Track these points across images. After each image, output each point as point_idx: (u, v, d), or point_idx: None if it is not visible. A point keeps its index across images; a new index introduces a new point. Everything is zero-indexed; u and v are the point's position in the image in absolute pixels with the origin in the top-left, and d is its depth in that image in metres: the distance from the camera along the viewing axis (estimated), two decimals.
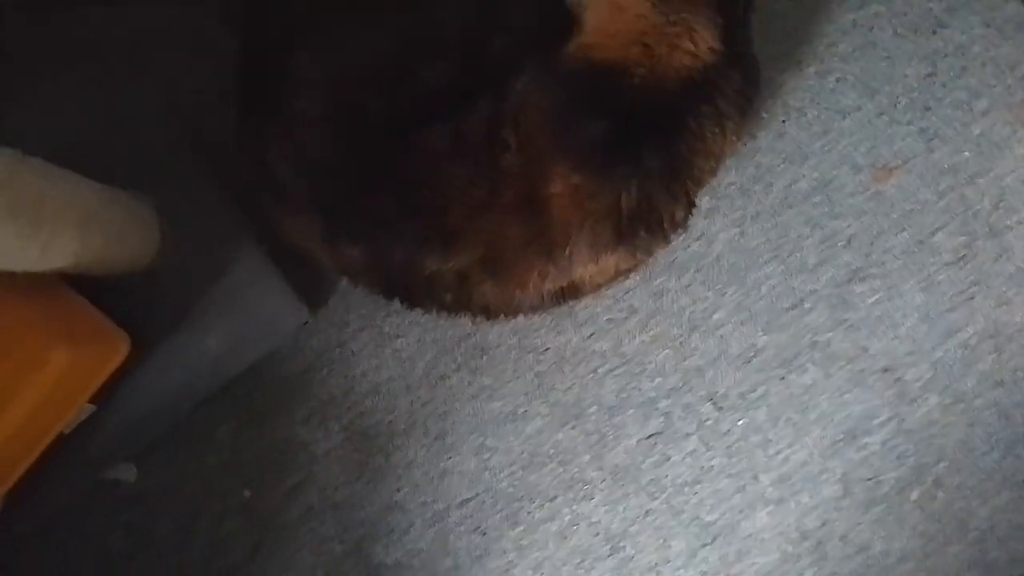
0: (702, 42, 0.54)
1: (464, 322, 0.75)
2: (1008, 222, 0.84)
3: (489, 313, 0.69)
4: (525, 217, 0.60)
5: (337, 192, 0.64)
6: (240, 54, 0.68)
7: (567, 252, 0.61)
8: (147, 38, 0.75)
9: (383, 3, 0.64)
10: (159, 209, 0.66)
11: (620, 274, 0.69)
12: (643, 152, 0.57)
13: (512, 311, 0.69)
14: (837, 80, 0.82)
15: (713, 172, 0.63)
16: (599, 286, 0.69)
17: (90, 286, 0.64)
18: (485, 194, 0.60)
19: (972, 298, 0.83)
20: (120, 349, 0.62)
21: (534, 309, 0.70)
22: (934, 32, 0.84)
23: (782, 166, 0.82)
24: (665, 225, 0.63)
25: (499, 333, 0.77)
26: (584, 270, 0.64)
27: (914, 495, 0.83)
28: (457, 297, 0.65)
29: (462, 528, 0.78)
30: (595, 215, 0.58)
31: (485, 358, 0.77)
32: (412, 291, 0.67)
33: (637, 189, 0.58)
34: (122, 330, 0.63)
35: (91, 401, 0.63)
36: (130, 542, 0.76)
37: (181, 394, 0.70)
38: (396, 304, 0.71)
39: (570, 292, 0.67)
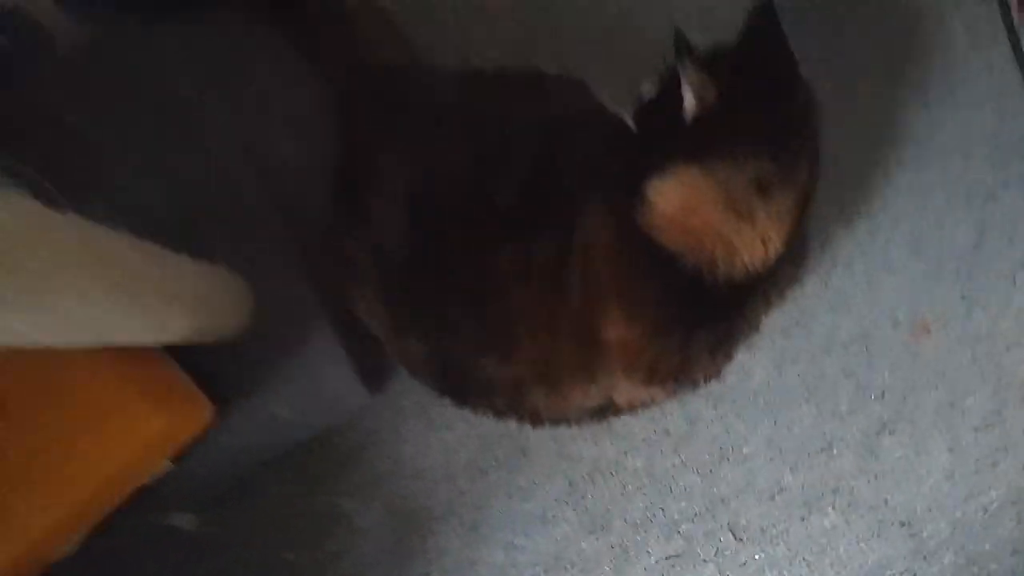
0: (769, 246, 0.60)
1: (510, 424, 0.81)
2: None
3: (537, 419, 0.74)
4: (579, 345, 0.66)
5: (409, 292, 0.70)
6: (339, 147, 0.76)
7: (611, 382, 0.67)
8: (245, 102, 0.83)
9: (464, 124, 0.72)
10: (248, 283, 0.74)
11: (655, 402, 0.73)
12: (695, 328, 0.63)
13: (558, 420, 0.74)
14: (886, 240, 0.87)
15: (753, 336, 0.68)
16: (635, 408, 0.74)
17: (178, 348, 0.71)
18: (547, 317, 0.66)
19: (997, 464, 0.86)
20: (204, 415, 0.69)
21: (576, 420, 0.75)
22: (986, 203, 0.89)
23: (825, 314, 0.86)
24: (700, 380, 0.68)
25: (540, 437, 0.83)
26: (622, 397, 0.70)
27: (947, 559, 0.85)
28: (510, 402, 0.71)
29: None
30: (640, 361, 0.64)
31: (524, 459, 0.83)
32: (466, 391, 0.73)
33: (681, 353, 0.63)
34: (206, 397, 0.70)
35: (173, 460, 0.70)
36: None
37: (248, 454, 0.77)
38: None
39: (608, 410, 0.73)
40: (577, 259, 0.64)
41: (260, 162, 0.81)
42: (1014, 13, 0.88)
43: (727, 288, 0.61)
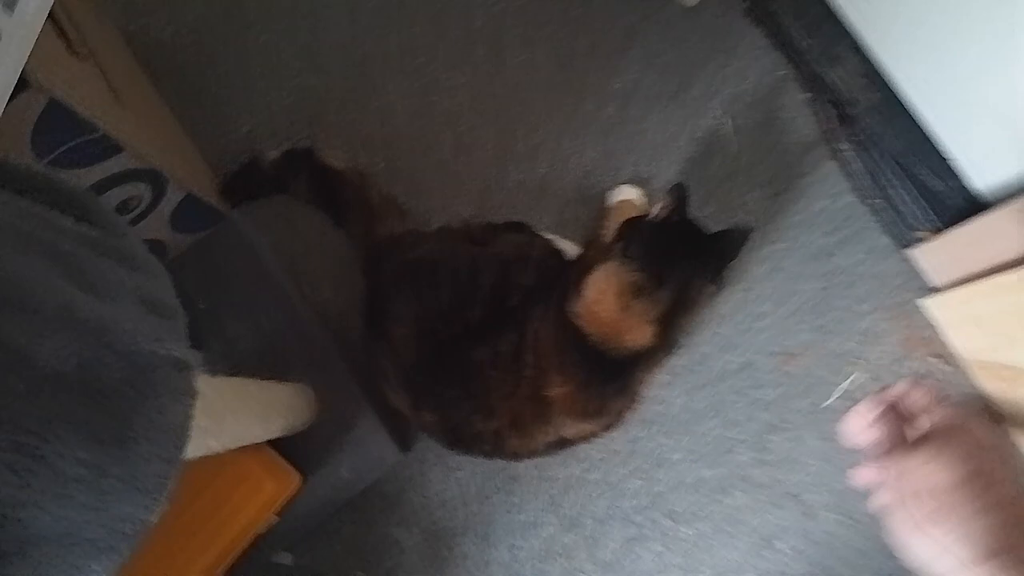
0: (642, 336, 0.93)
1: (500, 462, 1.14)
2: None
3: (516, 456, 1.06)
4: (535, 402, 0.98)
5: (421, 381, 1.00)
6: (365, 296, 1.10)
7: (560, 423, 1.00)
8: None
9: (442, 278, 1.01)
10: (322, 394, 1.08)
11: (595, 434, 1.04)
12: (606, 383, 0.96)
13: (530, 454, 1.07)
14: (756, 295, 1.21)
15: (650, 383, 1.02)
16: (584, 439, 1.05)
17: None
18: (511, 388, 0.96)
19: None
20: (296, 480, 1.03)
21: (543, 453, 1.07)
22: (828, 258, 1.22)
23: (719, 353, 1.20)
24: (620, 415, 1.02)
25: (525, 467, 1.16)
26: (569, 432, 1.02)
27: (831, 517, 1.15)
28: (493, 447, 1.02)
29: None
30: (575, 407, 0.97)
31: (515, 484, 1.16)
32: (464, 442, 1.04)
33: (599, 399, 0.97)
34: (295, 469, 1.04)
35: (277, 514, 1.04)
36: None
37: (325, 505, 1.11)
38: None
39: (562, 444, 1.03)
40: (529, 346, 0.97)
41: (316, 308, 1.16)
42: (832, 126, 1.23)
43: (620, 358, 0.94)
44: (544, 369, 0.95)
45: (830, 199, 1.22)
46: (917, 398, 0.58)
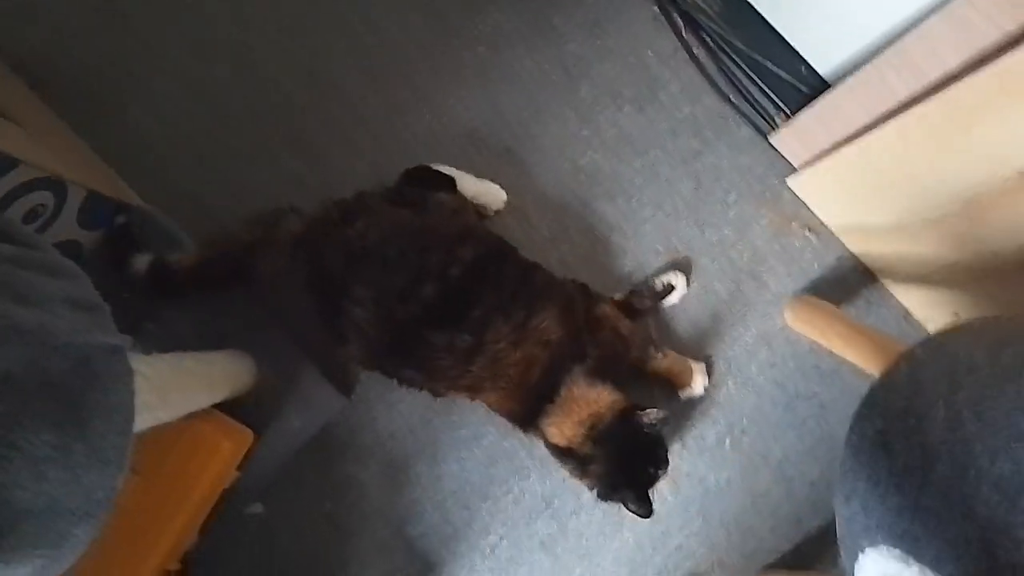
0: (571, 440, 1.10)
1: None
2: (761, 267, 1.35)
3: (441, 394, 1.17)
4: (471, 392, 1.12)
5: (383, 358, 1.11)
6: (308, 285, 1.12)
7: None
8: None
9: (392, 257, 1.07)
10: (260, 356, 1.18)
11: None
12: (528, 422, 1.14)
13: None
14: (638, 202, 1.33)
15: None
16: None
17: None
18: (457, 375, 1.08)
19: (745, 316, 1.34)
20: (249, 437, 1.13)
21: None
22: (697, 158, 1.35)
23: (611, 261, 1.33)
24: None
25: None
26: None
27: (727, 443, 1.33)
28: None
29: (454, 506, 1.29)
30: (502, 407, 1.14)
31: (453, 405, 1.29)
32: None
33: (523, 416, 1.15)
34: (246, 426, 1.15)
35: (238, 469, 1.15)
36: (264, 547, 1.28)
37: (284, 454, 1.22)
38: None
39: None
40: (487, 356, 1.07)
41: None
42: (684, 34, 1.34)
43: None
44: (491, 378, 1.10)
45: (692, 103, 1.34)
46: None
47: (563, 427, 1.10)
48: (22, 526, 0.60)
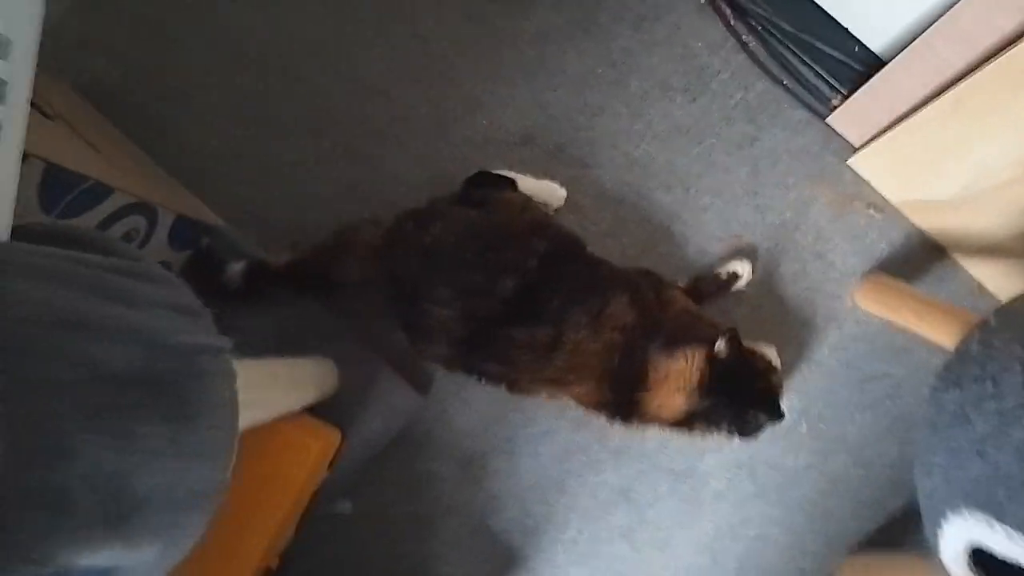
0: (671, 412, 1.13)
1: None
2: (826, 248, 1.34)
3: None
4: (552, 386, 1.13)
5: (467, 352, 1.13)
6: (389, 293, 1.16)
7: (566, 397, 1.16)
8: None
9: (470, 256, 1.10)
10: (341, 363, 1.24)
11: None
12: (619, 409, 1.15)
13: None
14: (696, 191, 1.35)
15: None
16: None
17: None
18: (539, 369, 1.11)
19: (813, 298, 1.33)
20: (337, 437, 1.19)
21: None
22: (752, 143, 1.36)
23: (675, 250, 1.34)
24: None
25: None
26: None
27: (803, 428, 1.33)
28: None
29: (532, 500, 1.33)
30: (584, 399, 1.15)
31: (526, 401, 1.32)
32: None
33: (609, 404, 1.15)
34: (335, 427, 1.21)
35: (328, 469, 1.21)
36: (353, 544, 1.34)
37: (367, 455, 1.28)
38: (472, 382, 1.26)
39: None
40: (566, 350, 1.09)
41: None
42: (732, 22, 1.35)
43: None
44: (574, 370, 1.12)
45: (744, 90, 1.35)
46: None
47: (672, 403, 1.12)
48: (142, 512, 0.65)
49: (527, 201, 1.24)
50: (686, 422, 1.14)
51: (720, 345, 1.10)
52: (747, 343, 1.19)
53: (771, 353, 1.23)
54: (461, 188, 1.26)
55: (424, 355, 1.19)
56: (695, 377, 1.11)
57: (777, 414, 1.12)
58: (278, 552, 1.20)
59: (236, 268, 1.23)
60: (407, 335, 1.17)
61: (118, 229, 1.07)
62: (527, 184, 1.27)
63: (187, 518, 0.72)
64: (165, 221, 1.15)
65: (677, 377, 1.11)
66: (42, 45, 0.70)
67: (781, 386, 1.16)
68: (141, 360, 0.64)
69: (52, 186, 0.90)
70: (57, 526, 0.53)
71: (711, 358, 1.11)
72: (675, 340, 1.13)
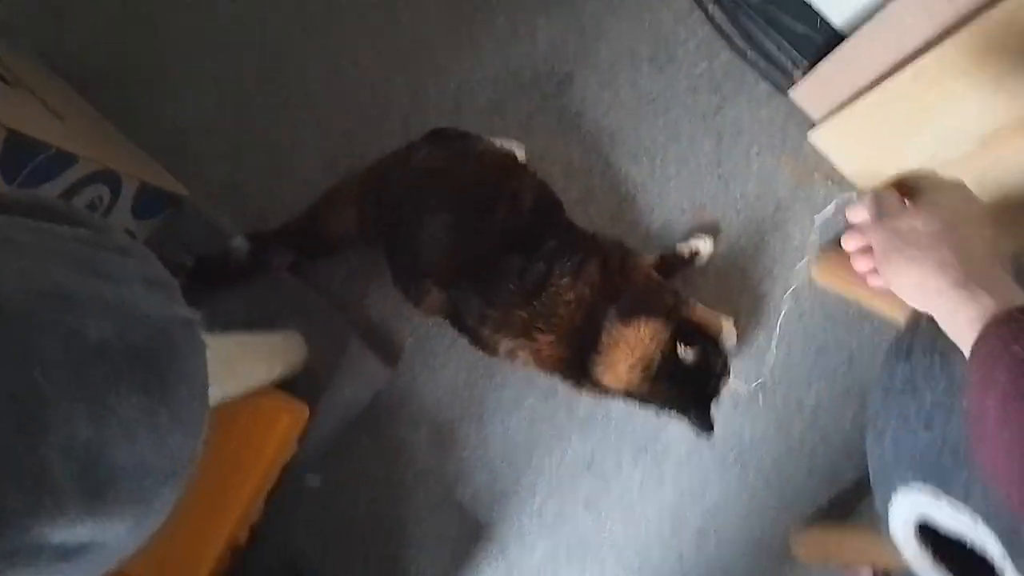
0: (624, 381, 1.15)
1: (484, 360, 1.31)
2: (786, 219, 1.37)
3: (482, 345, 1.20)
4: (521, 327, 1.13)
5: (458, 274, 1.13)
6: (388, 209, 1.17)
7: (522, 348, 1.16)
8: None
9: (471, 184, 1.16)
10: (310, 336, 1.24)
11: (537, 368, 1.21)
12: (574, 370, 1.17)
13: (487, 350, 1.20)
14: (661, 161, 1.36)
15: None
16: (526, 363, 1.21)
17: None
18: (517, 302, 1.12)
19: (772, 269, 1.37)
20: (305, 411, 1.19)
21: (495, 354, 1.21)
22: (715, 114, 1.37)
23: (640, 218, 1.36)
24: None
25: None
26: (519, 355, 1.19)
27: (761, 398, 1.37)
28: (475, 324, 1.16)
29: (501, 466, 1.35)
30: (540, 354, 1.16)
31: (495, 368, 1.33)
32: (460, 315, 1.18)
33: (567, 365, 1.18)
34: (302, 401, 1.21)
35: (298, 442, 1.21)
36: (324, 515, 1.34)
37: (338, 426, 1.28)
38: (442, 346, 1.29)
39: (510, 356, 1.20)
40: (550, 294, 1.12)
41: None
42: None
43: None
44: (546, 317, 1.14)
45: (709, 60, 1.36)
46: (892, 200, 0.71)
47: (616, 372, 1.14)
48: (117, 483, 0.65)
49: (504, 150, 1.26)
50: (628, 395, 1.18)
51: (685, 351, 1.13)
52: (705, 312, 1.23)
53: (727, 325, 1.27)
54: (427, 135, 1.26)
55: (410, 290, 1.19)
56: (651, 359, 1.14)
57: (706, 426, 1.16)
58: (247, 526, 1.20)
59: (239, 243, 1.23)
60: (395, 271, 1.19)
61: (82, 198, 1.04)
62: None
63: (160, 489, 0.71)
64: (128, 190, 1.12)
65: (625, 346, 1.13)
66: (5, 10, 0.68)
67: (723, 384, 1.20)
68: (115, 332, 0.63)
69: (14, 154, 0.88)
70: (36, 497, 0.53)
71: (671, 344, 1.14)
72: (634, 309, 1.15)
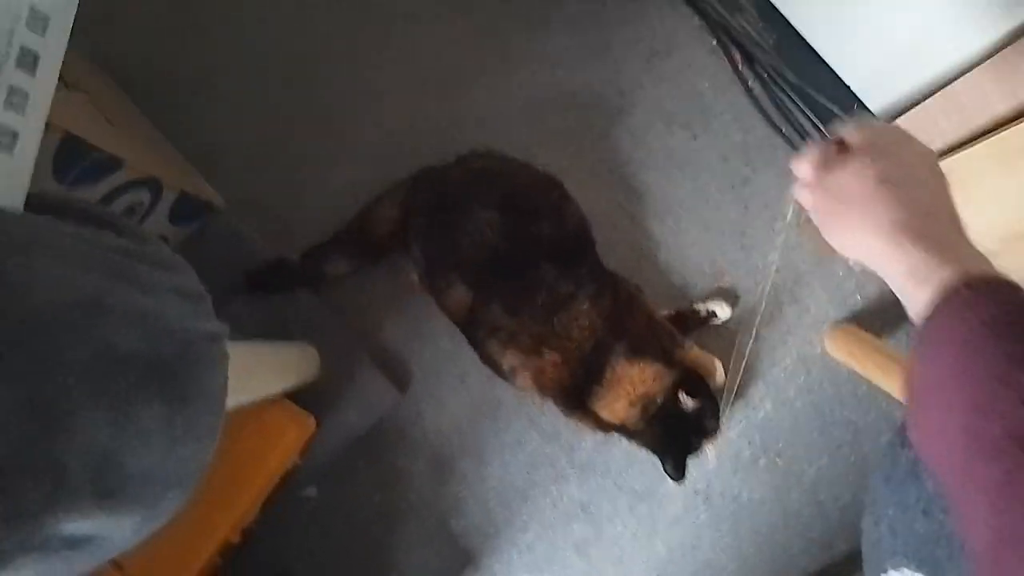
0: (619, 416, 1.20)
1: (484, 393, 1.34)
2: (804, 293, 1.39)
3: (484, 358, 1.23)
4: (532, 341, 1.17)
5: (493, 268, 1.17)
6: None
7: (523, 368, 1.20)
8: None
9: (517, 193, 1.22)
10: (324, 352, 1.27)
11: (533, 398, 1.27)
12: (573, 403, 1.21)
13: (491, 366, 1.25)
14: (686, 224, 1.39)
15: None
16: (524, 391, 1.27)
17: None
18: (538, 316, 1.16)
19: (786, 340, 1.38)
20: (313, 424, 1.21)
21: (497, 373, 1.25)
22: (745, 184, 1.40)
23: (658, 278, 1.39)
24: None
25: (506, 394, 1.35)
26: (517, 380, 1.23)
27: (762, 463, 1.38)
28: (483, 337, 1.19)
29: (495, 505, 1.36)
30: (542, 378, 1.20)
31: (499, 410, 1.35)
32: (472, 324, 1.20)
33: (564, 395, 1.22)
34: (310, 414, 1.24)
35: (300, 454, 1.24)
36: (316, 529, 1.36)
37: (340, 444, 1.30)
38: (451, 380, 1.31)
39: (508, 378, 1.24)
40: (571, 314, 1.17)
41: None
42: (740, 67, 1.40)
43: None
44: (560, 337, 1.17)
45: (744, 132, 1.39)
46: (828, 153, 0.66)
47: (615, 407, 1.17)
48: (128, 488, 0.68)
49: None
50: (614, 428, 1.21)
51: (685, 399, 1.17)
52: (699, 354, 1.27)
53: (719, 366, 1.29)
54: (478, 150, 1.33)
55: (437, 280, 1.22)
56: (652, 398, 1.17)
57: (677, 472, 1.21)
58: (241, 528, 1.22)
59: (337, 263, 1.30)
60: (427, 260, 1.22)
61: (123, 201, 1.08)
62: None
63: (167, 494, 0.74)
64: (168, 197, 1.16)
65: (629, 383, 1.17)
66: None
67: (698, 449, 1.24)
68: (146, 344, 0.67)
69: (66, 156, 0.92)
70: (52, 498, 0.56)
71: (673, 389, 1.18)
72: (639, 347, 1.19)
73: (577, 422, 1.25)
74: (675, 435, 1.20)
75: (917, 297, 0.53)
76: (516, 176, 1.26)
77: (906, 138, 0.61)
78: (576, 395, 1.20)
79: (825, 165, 0.63)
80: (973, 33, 0.99)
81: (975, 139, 1.06)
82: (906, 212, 0.55)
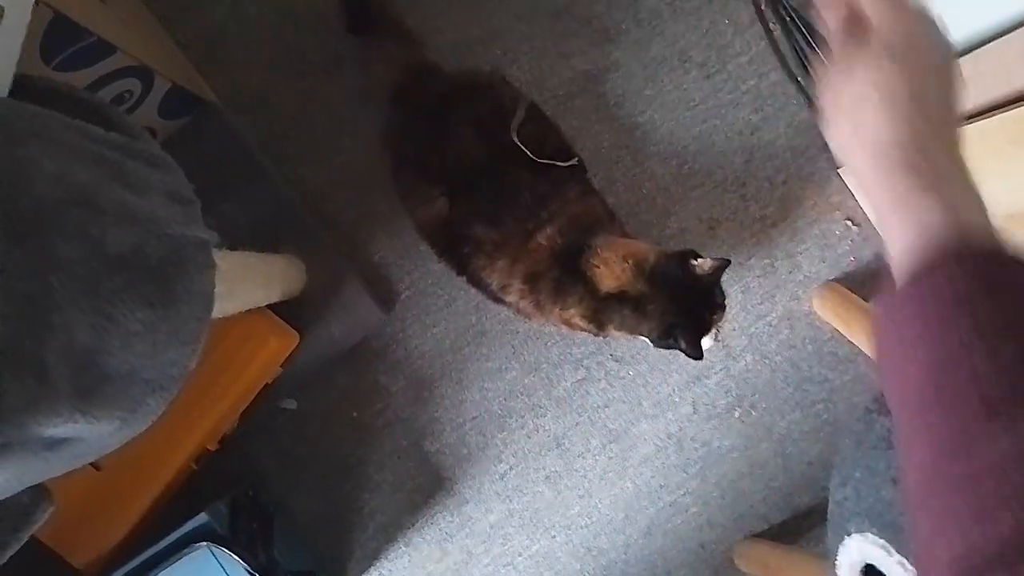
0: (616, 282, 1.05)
1: (469, 319, 1.33)
2: (798, 249, 1.38)
3: (470, 279, 1.16)
4: (517, 247, 1.08)
5: (479, 172, 1.10)
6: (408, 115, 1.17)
7: (510, 279, 1.10)
8: None
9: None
10: (311, 265, 1.25)
11: (517, 310, 1.16)
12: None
13: (476, 285, 1.16)
14: (689, 168, 1.36)
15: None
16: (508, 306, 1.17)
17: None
18: (518, 221, 1.08)
19: (774, 294, 1.38)
20: (295, 337, 1.21)
21: (482, 292, 1.17)
22: (752, 134, 1.37)
23: (656, 220, 1.37)
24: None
25: (491, 322, 1.35)
26: (506, 294, 1.13)
27: (737, 413, 1.40)
28: (468, 255, 1.12)
29: (471, 431, 1.38)
30: (526, 288, 1.10)
31: (484, 337, 1.36)
32: (453, 242, 1.12)
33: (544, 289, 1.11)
34: (293, 328, 1.23)
35: (281, 367, 1.23)
36: (291, 440, 1.38)
37: (321, 359, 1.30)
38: (437, 304, 1.30)
39: (496, 298, 1.16)
40: (550, 211, 1.09)
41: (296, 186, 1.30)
42: (763, 7, 1.34)
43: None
44: (553, 217, 1.10)
45: (758, 78, 1.35)
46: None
47: (610, 265, 1.05)
48: (106, 388, 0.67)
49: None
50: (616, 300, 1.06)
51: (702, 262, 1.03)
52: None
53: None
54: None
55: (416, 191, 1.17)
56: (644, 258, 1.05)
57: (695, 351, 1.04)
58: (219, 436, 1.23)
59: None
60: (406, 174, 1.18)
61: (112, 88, 1.03)
62: None
63: (147, 399, 0.73)
64: (159, 88, 1.11)
65: (623, 248, 1.07)
66: None
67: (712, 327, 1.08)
68: (133, 245, 0.64)
69: (55, 37, 0.87)
70: (34, 395, 0.55)
71: (676, 256, 1.05)
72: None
73: (577, 308, 1.09)
74: (682, 302, 1.03)
75: (896, 234, 0.49)
76: (485, 88, 1.19)
77: (930, 38, 0.51)
78: (571, 261, 1.07)
79: (842, 47, 0.53)
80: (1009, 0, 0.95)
81: (990, 111, 1.04)
82: (904, 133, 0.48)
